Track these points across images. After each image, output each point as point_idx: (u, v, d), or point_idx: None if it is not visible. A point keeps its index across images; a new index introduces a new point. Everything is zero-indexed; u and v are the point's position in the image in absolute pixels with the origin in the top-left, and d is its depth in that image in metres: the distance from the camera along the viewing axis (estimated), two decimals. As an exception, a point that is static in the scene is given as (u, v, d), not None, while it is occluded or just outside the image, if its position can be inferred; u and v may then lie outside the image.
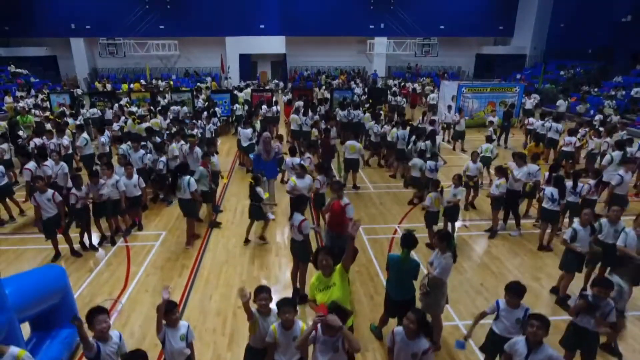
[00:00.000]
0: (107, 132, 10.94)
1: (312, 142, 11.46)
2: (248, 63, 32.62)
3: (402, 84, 28.45)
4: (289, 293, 5.88)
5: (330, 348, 3.33)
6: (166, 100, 18.12)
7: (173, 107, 15.76)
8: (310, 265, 4.97)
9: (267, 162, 8.91)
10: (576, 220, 5.76)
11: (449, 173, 9.31)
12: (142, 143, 9.41)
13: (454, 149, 14.23)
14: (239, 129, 12.02)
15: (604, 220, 5.71)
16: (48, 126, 12.08)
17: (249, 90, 20.90)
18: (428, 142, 9.87)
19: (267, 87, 26.91)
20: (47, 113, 15.81)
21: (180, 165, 7.87)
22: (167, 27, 30.40)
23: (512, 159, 8.10)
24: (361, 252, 7.03)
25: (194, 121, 12.18)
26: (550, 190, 6.96)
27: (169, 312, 3.59)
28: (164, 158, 9.06)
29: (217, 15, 29.80)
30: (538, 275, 6.53)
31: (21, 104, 19.22)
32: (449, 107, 15.97)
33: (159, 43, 30.62)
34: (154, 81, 30.17)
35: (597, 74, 24.90)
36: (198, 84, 29.43)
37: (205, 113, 13.65)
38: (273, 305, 3.72)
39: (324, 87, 24.85)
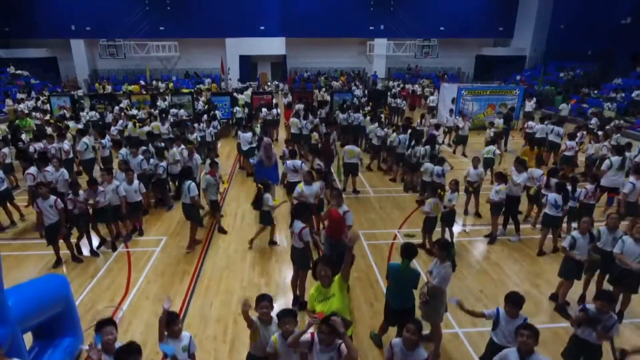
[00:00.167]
0: (107, 136, 10.96)
1: (313, 146, 11.45)
2: (248, 64, 32.63)
3: (402, 85, 28.47)
4: (289, 299, 5.92)
5: (326, 358, 3.35)
6: (166, 103, 17.98)
7: (172, 110, 15.73)
8: (310, 273, 4.99)
9: (269, 167, 8.93)
10: (574, 225, 5.77)
11: (448, 177, 9.31)
12: (144, 148, 9.36)
13: (454, 152, 14.22)
14: (239, 132, 12.01)
15: (602, 228, 5.73)
16: (48, 130, 12.08)
17: (249, 92, 20.90)
18: (427, 147, 9.90)
19: (268, 89, 26.91)
20: (48, 116, 15.80)
21: (183, 169, 7.90)
22: (167, 29, 30.41)
23: (514, 164, 8.13)
24: (361, 258, 7.08)
25: (194, 125, 12.18)
26: (554, 196, 6.98)
27: (171, 323, 3.62)
28: (164, 163, 9.05)
29: (217, 16, 29.82)
30: (537, 282, 6.56)
31: (21, 106, 19.21)
32: (451, 110, 15.96)
33: (159, 44, 30.69)
34: (154, 82, 30.19)
35: (597, 75, 24.92)
36: (198, 85, 29.45)
37: (206, 116, 13.65)
38: (274, 314, 3.74)
39: (323, 89, 24.83)
